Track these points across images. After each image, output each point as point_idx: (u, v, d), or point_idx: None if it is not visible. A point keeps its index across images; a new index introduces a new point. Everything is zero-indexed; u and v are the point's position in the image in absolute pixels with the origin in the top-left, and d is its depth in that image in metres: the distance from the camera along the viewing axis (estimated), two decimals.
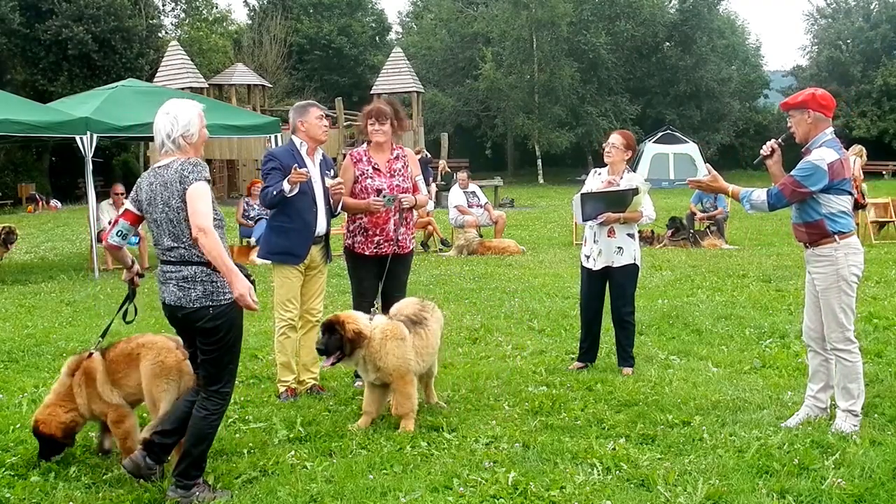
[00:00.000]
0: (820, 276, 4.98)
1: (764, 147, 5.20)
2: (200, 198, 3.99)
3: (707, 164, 5.41)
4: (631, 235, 6.49)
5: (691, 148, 34.67)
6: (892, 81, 43.72)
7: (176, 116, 4.15)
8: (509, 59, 41.35)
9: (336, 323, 5.10)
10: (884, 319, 7.95)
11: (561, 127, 40.90)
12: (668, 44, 46.22)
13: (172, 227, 4.08)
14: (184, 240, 4.07)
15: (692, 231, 15.21)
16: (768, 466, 4.42)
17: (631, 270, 6.49)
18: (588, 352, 6.67)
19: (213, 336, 4.12)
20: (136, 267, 4.51)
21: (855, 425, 4.93)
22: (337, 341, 5.06)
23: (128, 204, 4.26)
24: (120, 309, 4.55)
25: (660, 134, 35.84)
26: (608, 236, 6.44)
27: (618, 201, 6.38)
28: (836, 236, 4.91)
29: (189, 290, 4.07)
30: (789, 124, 5.10)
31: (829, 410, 5.16)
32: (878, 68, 44.84)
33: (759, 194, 4.97)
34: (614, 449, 4.72)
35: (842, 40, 47.25)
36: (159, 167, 4.15)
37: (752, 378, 6.21)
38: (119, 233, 4.25)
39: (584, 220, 6.51)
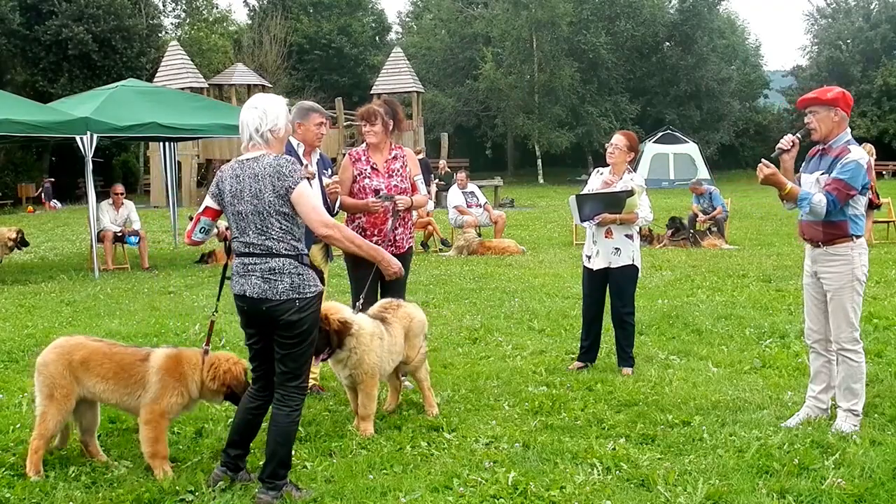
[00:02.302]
0: (833, 276, 4.93)
1: (783, 140, 5.02)
2: (311, 195, 4.13)
3: (763, 160, 4.97)
4: (629, 237, 6.49)
5: (691, 148, 34.72)
6: (892, 81, 43.77)
7: (265, 111, 4.14)
8: (509, 59, 41.39)
9: (322, 318, 5.02)
10: (884, 319, 7.96)
11: (561, 127, 40.95)
12: (668, 44, 46.28)
13: (260, 219, 4.04)
14: (271, 233, 4.05)
15: (692, 231, 15.22)
16: (768, 466, 4.42)
17: (629, 272, 6.49)
18: (588, 352, 6.67)
19: (295, 329, 4.06)
20: (222, 224, 4.47)
21: (855, 425, 4.93)
22: (324, 337, 4.90)
23: (208, 200, 4.22)
24: (224, 270, 4.45)
25: (660, 134, 35.89)
26: (605, 237, 6.45)
27: (614, 202, 6.38)
28: (853, 237, 4.90)
29: (276, 283, 4.02)
30: (809, 120, 4.96)
31: (829, 411, 5.16)
32: (877, 68, 44.89)
33: (821, 199, 4.77)
34: (614, 449, 4.72)
35: (842, 40, 47.28)
36: (248, 159, 4.12)
37: (752, 378, 6.21)
38: (202, 229, 4.26)
39: (583, 220, 6.52)
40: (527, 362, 6.80)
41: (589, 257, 6.58)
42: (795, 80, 50.02)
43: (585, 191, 6.65)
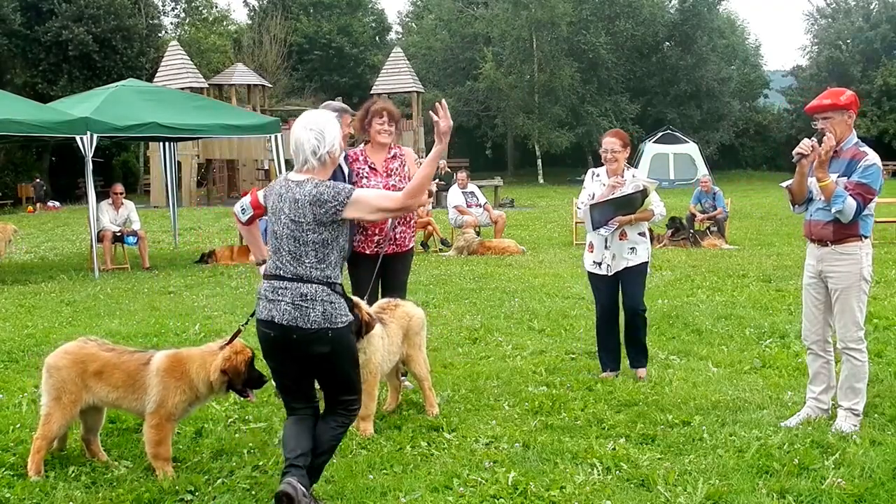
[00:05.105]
0: (842, 275, 4.94)
1: (803, 145, 4.91)
2: (367, 194, 3.98)
3: (816, 140, 4.92)
4: (642, 234, 6.45)
5: (691, 148, 34.72)
6: (892, 81, 43.79)
7: (321, 132, 3.90)
8: (509, 59, 41.40)
9: (354, 305, 4.89)
10: (884, 319, 7.97)
11: (561, 127, 40.95)
12: (668, 43, 46.28)
13: (296, 245, 3.86)
14: (304, 260, 3.86)
15: (692, 231, 15.22)
16: (768, 466, 4.42)
17: (642, 267, 6.45)
18: (615, 358, 6.50)
19: (329, 363, 3.92)
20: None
21: (855, 425, 4.93)
22: (356, 324, 4.80)
23: (260, 193, 4.20)
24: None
25: (660, 134, 35.88)
26: (620, 239, 6.31)
27: (625, 205, 6.23)
28: (862, 237, 4.92)
29: (307, 310, 3.82)
30: (824, 126, 4.89)
31: (830, 411, 5.16)
32: (877, 68, 44.93)
33: (852, 203, 4.78)
34: (614, 449, 4.72)
35: (842, 40, 47.30)
36: (294, 181, 3.91)
37: (752, 378, 6.21)
38: (243, 209, 4.33)
39: (595, 228, 6.26)
40: (527, 362, 6.80)
41: (599, 263, 6.38)
42: (795, 80, 50.06)
43: (588, 195, 6.42)
